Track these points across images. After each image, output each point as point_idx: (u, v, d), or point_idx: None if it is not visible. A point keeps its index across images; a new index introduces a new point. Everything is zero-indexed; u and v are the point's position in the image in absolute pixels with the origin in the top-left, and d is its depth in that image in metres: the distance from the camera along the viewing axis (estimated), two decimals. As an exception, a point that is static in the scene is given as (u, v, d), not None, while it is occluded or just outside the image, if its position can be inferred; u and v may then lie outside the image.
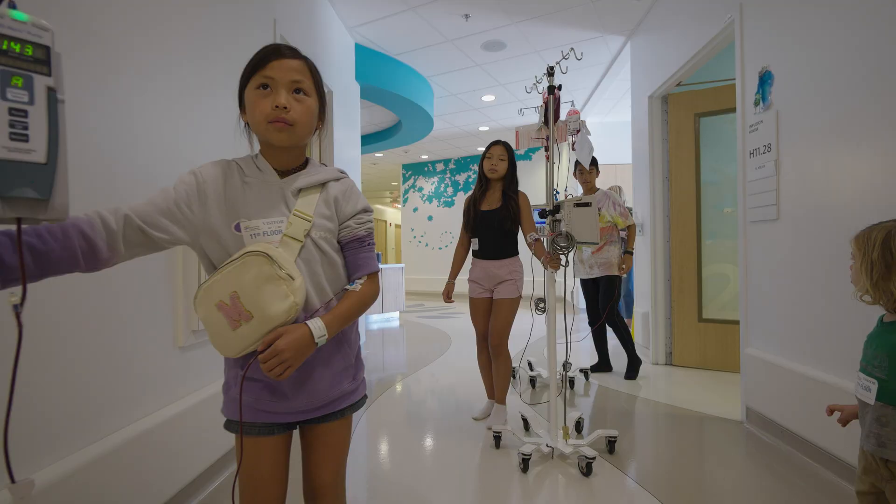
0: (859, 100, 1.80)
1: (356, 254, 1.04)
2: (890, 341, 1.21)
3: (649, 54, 3.94)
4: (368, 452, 2.29)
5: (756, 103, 2.43)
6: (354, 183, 1.08)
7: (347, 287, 1.03)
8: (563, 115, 2.36)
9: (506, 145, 2.58)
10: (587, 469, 1.97)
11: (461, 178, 9.83)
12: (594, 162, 3.45)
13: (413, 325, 6.39)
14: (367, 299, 1.03)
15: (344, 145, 4.01)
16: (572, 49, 2.39)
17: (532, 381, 3.33)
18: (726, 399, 2.92)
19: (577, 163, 3.51)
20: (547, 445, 2.13)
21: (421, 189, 10.28)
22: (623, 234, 3.46)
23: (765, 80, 2.34)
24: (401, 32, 4.32)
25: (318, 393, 1.00)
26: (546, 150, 2.28)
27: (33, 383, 1.20)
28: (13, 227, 0.62)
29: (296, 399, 0.98)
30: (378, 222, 15.05)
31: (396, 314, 7.01)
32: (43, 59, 0.57)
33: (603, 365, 3.65)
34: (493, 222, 2.52)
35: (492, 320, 2.53)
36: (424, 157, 9.78)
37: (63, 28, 1.29)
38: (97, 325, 1.39)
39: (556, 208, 2.18)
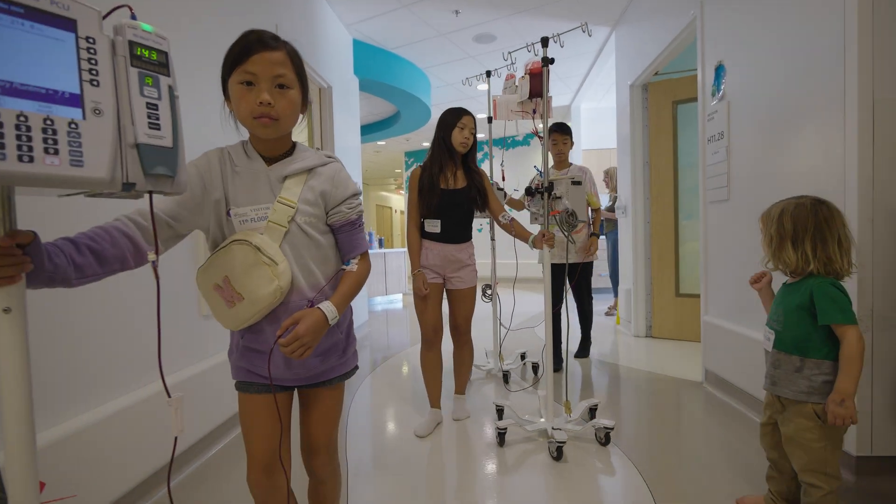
0: (796, 93, 2.03)
1: (350, 236, 1.10)
2: (786, 300, 1.47)
3: (630, 44, 4.15)
4: (372, 421, 2.50)
5: (713, 94, 2.67)
6: (342, 166, 1.12)
7: (344, 267, 1.09)
8: (525, 81, 2.40)
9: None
10: (605, 439, 2.05)
11: (462, 164, 10.00)
12: (569, 132, 3.27)
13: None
14: (363, 276, 1.12)
15: (344, 137, 4.27)
16: (559, 35, 2.44)
17: None
18: (693, 364, 3.21)
19: (551, 132, 3.21)
20: (553, 428, 2.05)
21: (423, 176, 10.50)
22: (590, 212, 3.26)
23: (719, 72, 2.58)
24: (396, 28, 4.56)
25: (303, 370, 1.08)
26: (533, 122, 2.38)
27: (88, 338, 1.52)
28: (66, 237, 0.78)
29: (285, 372, 1.07)
30: (383, 209, 15.26)
31: (399, 296, 7.33)
32: (164, 63, 0.68)
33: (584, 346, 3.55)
34: (462, 203, 2.28)
35: (455, 309, 2.37)
36: (426, 144, 10.00)
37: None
38: (142, 296, 1.71)
39: (552, 185, 2.16)
